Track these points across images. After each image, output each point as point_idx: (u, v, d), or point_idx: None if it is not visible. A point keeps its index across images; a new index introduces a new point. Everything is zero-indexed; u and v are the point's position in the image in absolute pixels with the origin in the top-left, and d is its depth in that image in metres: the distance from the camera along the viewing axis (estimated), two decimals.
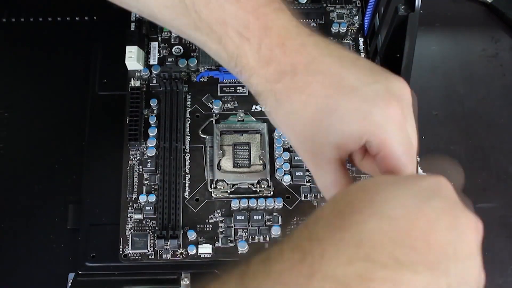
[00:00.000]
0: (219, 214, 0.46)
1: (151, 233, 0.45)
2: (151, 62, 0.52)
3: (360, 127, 0.29)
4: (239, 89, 0.51)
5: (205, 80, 0.51)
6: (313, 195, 0.47)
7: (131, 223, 0.46)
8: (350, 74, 0.30)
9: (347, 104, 0.29)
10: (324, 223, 0.23)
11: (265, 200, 0.46)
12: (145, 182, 0.47)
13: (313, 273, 0.21)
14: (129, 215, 0.46)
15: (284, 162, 0.48)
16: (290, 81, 0.30)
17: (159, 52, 0.52)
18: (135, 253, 0.45)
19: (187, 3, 0.32)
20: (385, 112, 0.29)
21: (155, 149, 0.48)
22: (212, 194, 0.47)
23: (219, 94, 0.51)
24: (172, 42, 0.53)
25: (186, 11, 0.32)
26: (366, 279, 0.20)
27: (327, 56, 0.31)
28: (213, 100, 0.50)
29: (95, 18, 0.56)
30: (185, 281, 0.43)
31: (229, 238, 0.45)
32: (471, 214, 0.24)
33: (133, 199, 0.47)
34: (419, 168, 0.38)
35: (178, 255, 0.45)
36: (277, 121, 0.32)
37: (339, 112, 0.29)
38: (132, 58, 0.50)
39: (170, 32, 0.53)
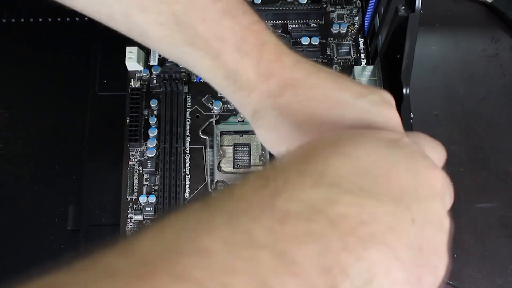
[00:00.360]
0: None
1: None
2: (151, 63, 0.52)
3: None
4: None
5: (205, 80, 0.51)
6: None
7: (131, 224, 0.46)
8: (345, 87, 0.30)
9: (350, 115, 0.29)
10: (288, 160, 0.24)
11: None
12: (145, 183, 0.47)
13: (277, 195, 0.21)
14: (129, 215, 0.46)
15: None
16: (293, 95, 0.30)
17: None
18: None
19: (182, 19, 0.31)
20: (387, 117, 0.30)
21: (155, 150, 0.48)
22: (213, 195, 0.47)
23: (219, 95, 0.51)
24: None
25: (182, 27, 0.31)
26: (332, 201, 0.21)
27: (321, 71, 0.31)
28: (213, 101, 0.50)
29: None
30: None
31: None
32: (431, 161, 0.25)
33: (133, 199, 0.47)
34: None
35: None
36: (277, 138, 0.31)
37: (343, 123, 0.30)
38: (132, 58, 0.50)
39: None
